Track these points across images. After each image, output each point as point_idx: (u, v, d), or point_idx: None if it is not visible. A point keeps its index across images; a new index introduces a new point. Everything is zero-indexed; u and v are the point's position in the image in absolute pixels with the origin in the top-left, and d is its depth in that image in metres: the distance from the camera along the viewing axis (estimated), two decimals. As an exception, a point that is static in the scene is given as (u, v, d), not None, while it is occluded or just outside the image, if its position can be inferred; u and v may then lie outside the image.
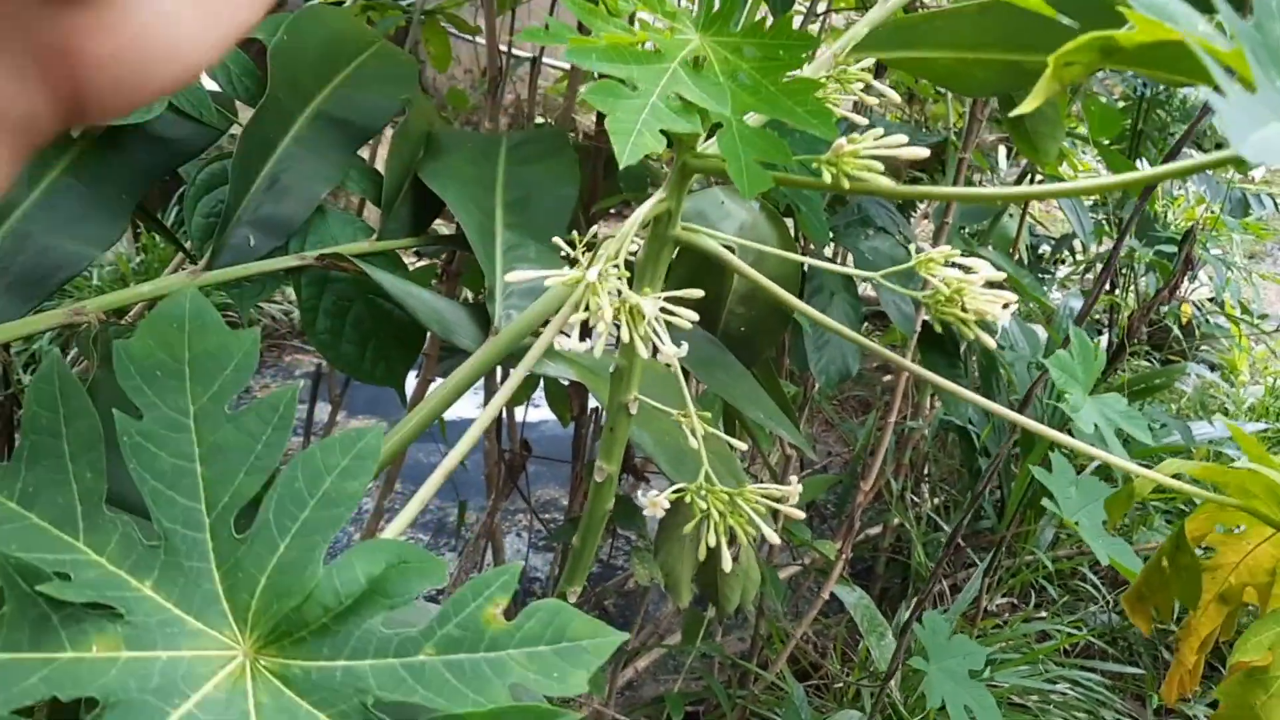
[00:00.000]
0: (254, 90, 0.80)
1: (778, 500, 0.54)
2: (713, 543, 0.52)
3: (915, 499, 1.91)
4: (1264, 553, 0.67)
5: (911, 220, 1.88)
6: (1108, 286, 2.64)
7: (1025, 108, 0.29)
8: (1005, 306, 0.52)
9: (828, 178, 0.47)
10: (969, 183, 2.19)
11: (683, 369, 1.03)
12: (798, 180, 0.49)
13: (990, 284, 0.52)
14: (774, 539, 0.51)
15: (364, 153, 1.08)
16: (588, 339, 0.53)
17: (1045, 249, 2.41)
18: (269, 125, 0.76)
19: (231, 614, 0.40)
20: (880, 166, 0.46)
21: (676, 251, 1.00)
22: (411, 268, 1.43)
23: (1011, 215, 1.88)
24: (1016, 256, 1.88)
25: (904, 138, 0.46)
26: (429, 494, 0.54)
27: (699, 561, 1.25)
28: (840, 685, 1.60)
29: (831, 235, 1.30)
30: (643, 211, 0.53)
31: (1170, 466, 0.62)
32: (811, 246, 1.22)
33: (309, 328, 0.77)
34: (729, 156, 0.46)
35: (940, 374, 1.55)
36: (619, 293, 0.47)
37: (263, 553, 0.41)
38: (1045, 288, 2.52)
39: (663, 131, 0.46)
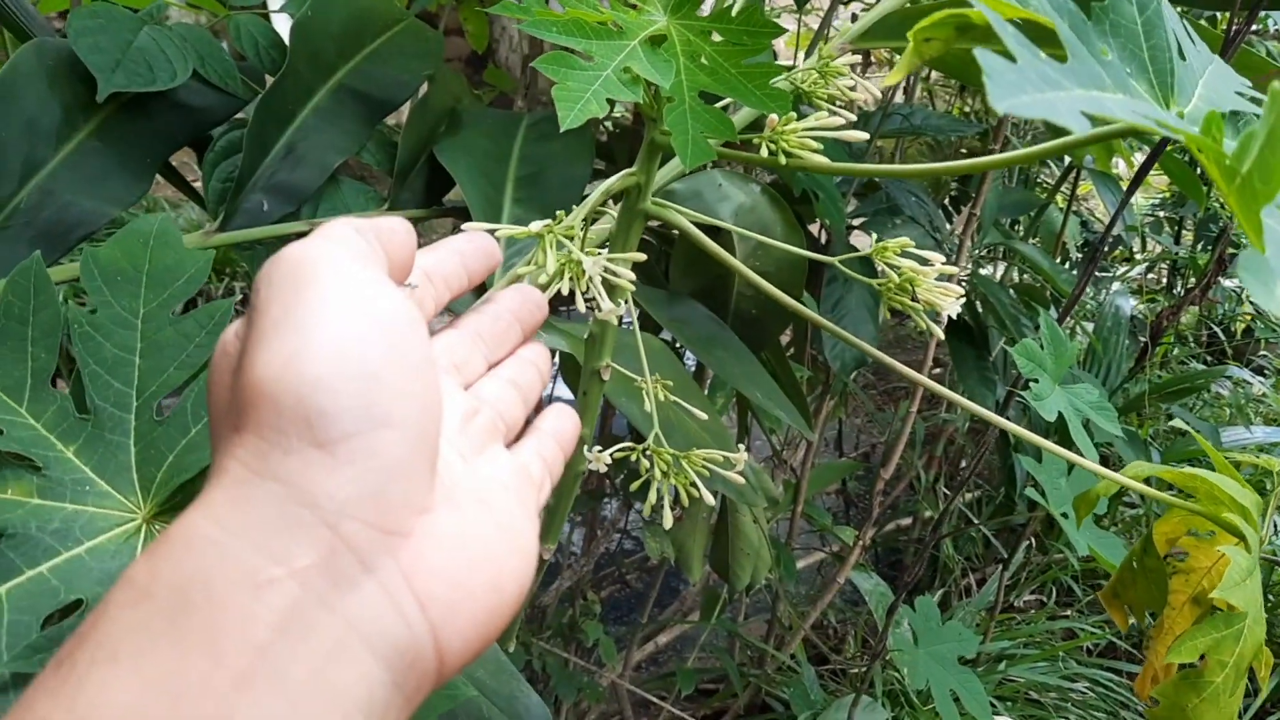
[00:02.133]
0: (280, 63, 0.84)
1: (723, 464, 0.55)
2: (654, 499, 0.54)
3: (947, 492, 1.91)
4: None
5: (962, 211, 1.87)
6: (1166, 286, 2.58)
7: (891, 79, 0.30)
8: (956, 299, 0.53)
9: (765, 153, 0.48)
10: (1025, 176, 2.16)
11: (677, 346, 1.05)
12: (737, 154, 0.51)
13: (943, 277, 0.53)
14: (710, 500, 0.53)
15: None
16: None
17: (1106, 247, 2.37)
18: (287, 96, 0.79)
19: (138, 483, 0.46)
20: (817, 145, 0.47)
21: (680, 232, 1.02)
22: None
23: (1060, 209, 1.85)
24: (1062, 251, 1.86)
25: (841, 120, 0.48)
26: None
27: (711, 538, 1.27)
28: (856, 671, 1.61)
29: (860, 223, 1.31)
30: (609, 184, 0.55)
31: (1138, 470, 0.62)
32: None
33: (319, 291, 0.81)
34: (675, 129, 0.48)
35: (968, 367, 1.54)
36: (568, 250, 0.50)
37: (175, 434, 0.47)
38: (1103, 285, 2.48)
39: (637, 108, 0.49)
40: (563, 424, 0.42)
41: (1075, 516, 0.66)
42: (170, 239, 0.51)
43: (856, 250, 0.55)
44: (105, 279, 0.49)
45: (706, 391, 1.33)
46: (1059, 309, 1.90)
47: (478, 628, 0.28)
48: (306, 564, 0.24)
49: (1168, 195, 2.73)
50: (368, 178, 0.91)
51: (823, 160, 0.47)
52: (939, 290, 0.53)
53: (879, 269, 0.58)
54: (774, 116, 0.48)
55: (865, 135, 0.48)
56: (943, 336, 0.53)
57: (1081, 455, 0.62)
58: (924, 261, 0.54)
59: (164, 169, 0.80)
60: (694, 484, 0.54)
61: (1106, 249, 2.28)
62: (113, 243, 0.50)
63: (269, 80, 0.84)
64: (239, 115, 0.82)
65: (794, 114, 0.49)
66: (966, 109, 2.34)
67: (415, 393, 0.27)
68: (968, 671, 0.91)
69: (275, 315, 0.27)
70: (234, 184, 0.75)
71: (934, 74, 2.31)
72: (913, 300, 0.54)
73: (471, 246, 0.40)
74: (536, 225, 0.49)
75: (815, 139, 0.48)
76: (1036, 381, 0.62)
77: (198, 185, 0.86)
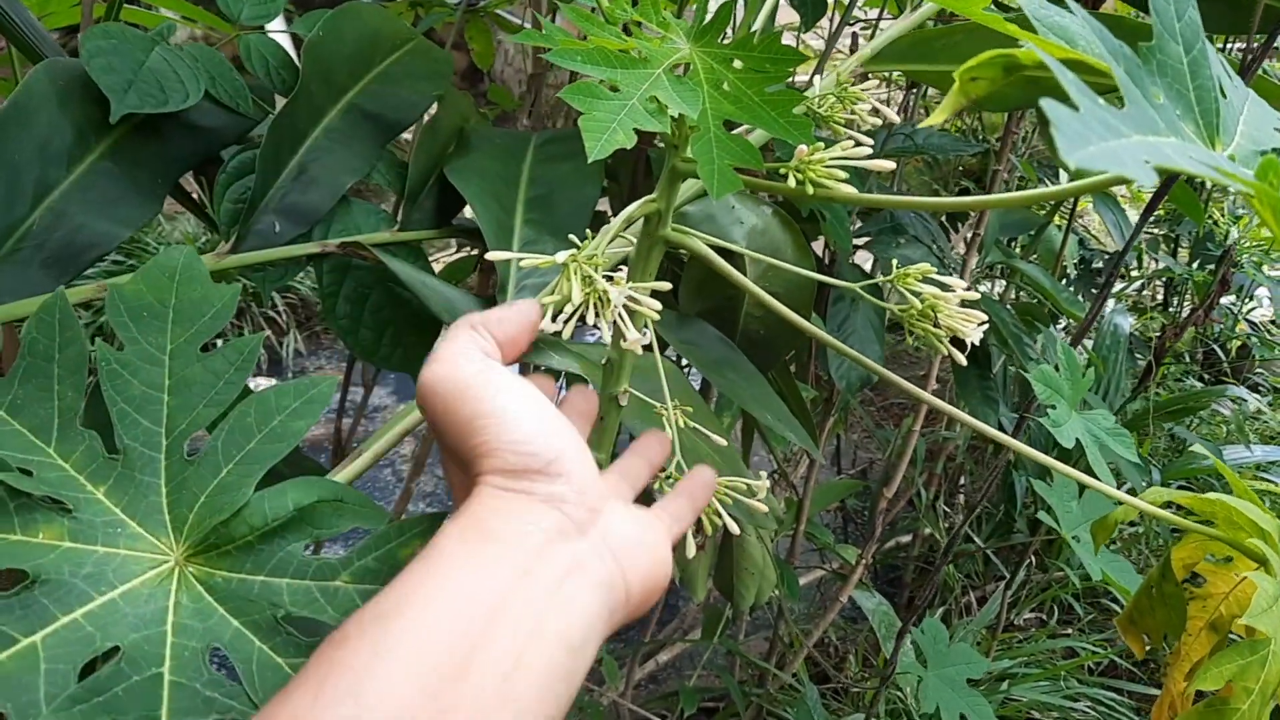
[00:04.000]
0: (291, 83, 0.83)
1: (744, 493, 0.55)
2: None
3: (947, 509, 1.91)
4: (1251, 584, 0.66)
5: (960, 229, 1.87)
6: (1162, 304, 2.59)
7: (933, 120, 0.30)
8: (979, 325, 0.53)
9: (792, 183, 0.48)
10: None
11: (685, 366, 1.04)
12: (765, 184, 0.51)
13: (965, 303, 0.53)
14: (734, 529, 0.52)
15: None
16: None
17: (1100, 263, 2.38)
18: (299, 117, 0.79)
19: (170, 524, 0.45)
20: (843, 175, 0.47)
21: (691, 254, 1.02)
22: (451, 259, 1.47)
23: (1060, 227, 1.86)
24: (1061, 269, 1.86)
25: (867, 150, 0.47)
26: (386, 446, 0.61)
27: (716, 558, 1.26)
28: (857, 690, 1.60)
29: (864, 243, 1.31)
30: (630, 210, 0.55)
31: (1157, 495, 0.62)
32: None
33: (329, 313, 0.80)
34: (702, 159, 0.47)
35: (971, 386, 1.54)
36: (591, 280, 0.49)
37: (206, 474, 0.46)
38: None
39: (656, 136, 0.49)
40: (694, 488, 0.54)
41: (1093, 542, 0.66)
42: (196, 273, 0.50)
43: (861, 269, 0.55)
44: (131, 315, 0.48)
45: (712, 408, 1.33)
46: (1057, 326, 1.91)
47: (647, 577, 0.42)
48: (547, 525, 0.39)
49: (1163, 213, 2.74)
50: (363, 191, 0.91)
51: (850, 191, 0.47)
52: (961, 316, 0.53)
53: (885, 291, 0.58)
54: (802, 146, 0.48)
55: (892, 165, 0.48)
56: (965, 363, 0.53)
57: (1091, 483, 0.62)
58: (944, 287, 0.54)
59: (173, 189, 0.80)
60: (717, 512, 0.54)
61: (1112, 271, 2.28)
62: (138, 277, 0.49)
63: (278, 100, 0.84)
64: (249, 136, 0.81)
65: (820, 143, 0.49)
66: (963, 126, 2.35)
67: (567, 431, 0.43)
68: (977, 694, 0.90)
69: (467, 412, 0.42)
70: (246, 205, 0.75)
71: (931, 91, 2.32)
72: (935, 326, 0.54)
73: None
74: (562, 255, 0.49)
75: (840, 168, 0.48)
76: (1054, 408, 0.62)
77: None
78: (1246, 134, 0.34)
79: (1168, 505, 0.63)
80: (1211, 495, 0.56)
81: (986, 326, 0.53)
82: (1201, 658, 0.68)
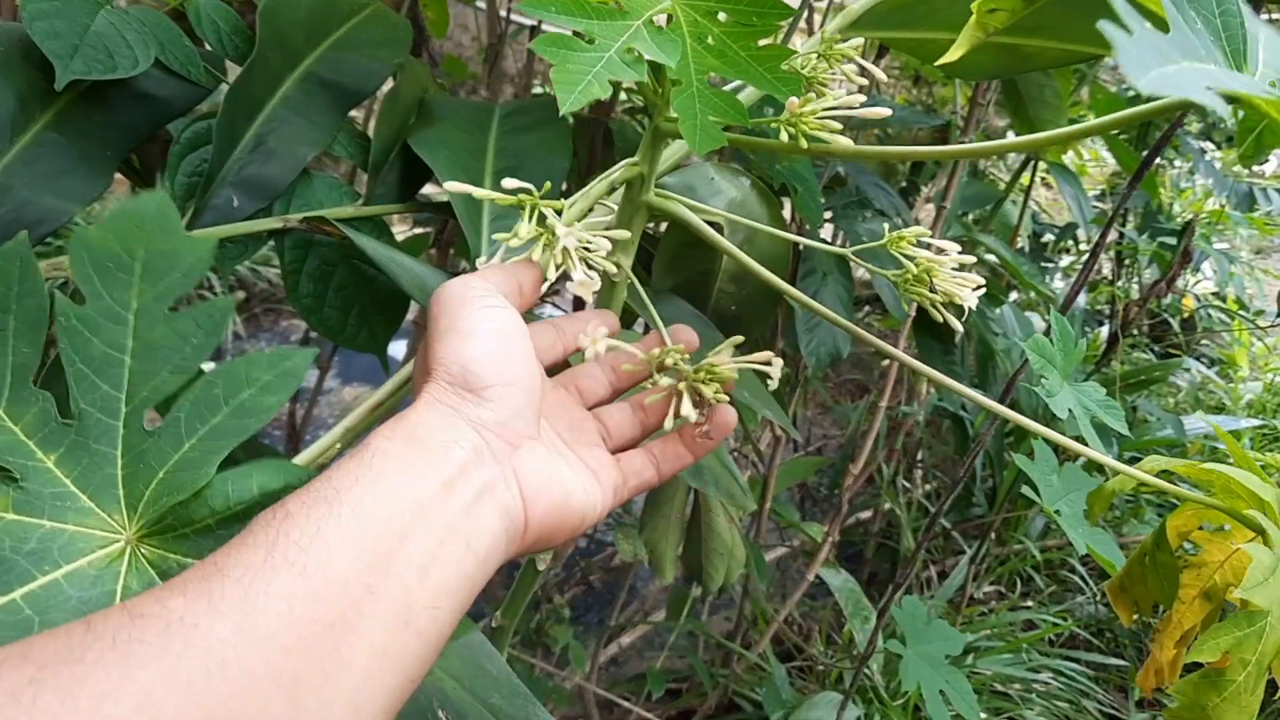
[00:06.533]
0: (244, 50, 0.80)
1: (761, 372, 0.53)
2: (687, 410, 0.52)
3: (907, 485, 1.91)
4: (1247, 553, 0.66)
5: (914, 204, 1.87)
6: (1108, 278, 2.63)
7: (949, 56, 0.28)
8: (975, 289, 0.52)
9: (785, 137, 0.46)
10: (974, 168, 2.18)
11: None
12: (755, 141, 0.49)
13: (961, 267, 0.52)
14: (690, 414, 0.51)
15: (358, 117, 1.07)
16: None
17: (1049, 237, 2.40)
18: (256, 86, 0.75)
19: (124, 500, 0.42)
20: (838, 126, 0.45)
21: (669, 226, 0.99)
22: (405, 236, 1.43)
23: (1015, 202, 1.86)
24: (1018, 244, 1.87)
25: (861, 97, 0.46)
26: (355, 422, 0.59)
27: (683, 539, 1.25)
28: (823, 667, 1.60)
29: (829, 217, 1.30)
30: (613, 173, 0.53)
31: (1155, 464, 0.61)
32: (806, 227, 1.21)
33: (292, 292, 0.77)
34: (684, 114, 0.45)
35: (935, 360, 1.55)
36: (545, 218, 0.48)
37: (167, 448, 0.42)
38: (1048, 276, 2.51)
39: (640, 94, 0.46)
40: (669, 454, 0.54)
41: (1090, 512, 0.65)
42: (169, 223, 0.45)
43: (830, 244, 0.53)
44: (96, 266, 0.44)
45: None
46: (1008, 300, 1.91)
47: (548, 518, 0.44)
48: (468, 444, 0.42)
49: (1108, 187, 2.77)
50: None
51: (846, 143, 0.45)
52: (957, 280, 0.52)
53: (852, 262, 0.56)
54: (793, 99, 0.46)
55: (888, 111, 0.46)
56: (962, 330, 0.52)
57: (1090, 454, 0.61)
58: (939, 251, 0.53)
59: (121, 164, 0.76)
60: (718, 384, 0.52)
61: (1056, 241, 2.30)
62: (105, 224, 0.45)
63: (230, 68, 0.80)
64: (200, 107, 0.78)
65: (812, 95, 0.47)
66: (911, 100, 2.35)
67: (523, 371, 0.45)
68: (956, 671, 0.90)
69: (445, 324, 0.45)
70: (202, 179, 0.71)
71: (883, 62, 2.32)
72: (930, 292, 0.52)
73: (598, 319, 0.54)
74: (511, 183, 0.47)
75: (835, 119, 0.46)
76: (1046, 378, 0.61)
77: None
78: (1269, 63, 0.33)
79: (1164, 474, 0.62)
80: (1210, 464, 0.56)
81: (983, 291, 0.51)
82: (1193, 625, 0.67)
